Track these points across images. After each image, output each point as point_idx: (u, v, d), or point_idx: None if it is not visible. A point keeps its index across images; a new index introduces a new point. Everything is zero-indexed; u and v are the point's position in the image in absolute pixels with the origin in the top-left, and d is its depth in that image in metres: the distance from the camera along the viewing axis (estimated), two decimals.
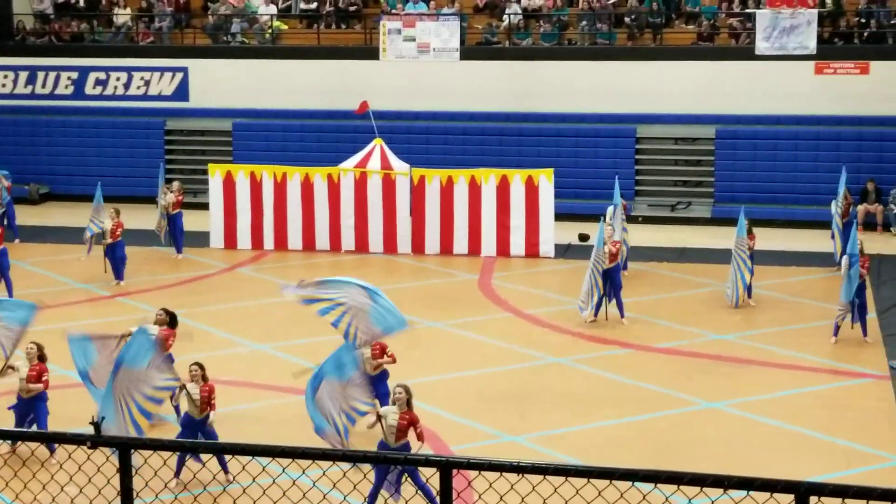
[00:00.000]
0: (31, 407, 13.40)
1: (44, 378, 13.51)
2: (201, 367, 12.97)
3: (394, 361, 14.43)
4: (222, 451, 4.81)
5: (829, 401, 15.65)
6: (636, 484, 4.55)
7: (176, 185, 23.33)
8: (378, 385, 14.09)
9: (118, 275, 21.22)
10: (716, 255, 22.27)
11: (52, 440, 4.77)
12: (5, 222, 23.59)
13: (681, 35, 28.33)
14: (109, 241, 21.13)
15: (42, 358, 13.68)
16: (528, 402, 15.86)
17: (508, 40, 28.81)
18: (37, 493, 5.55)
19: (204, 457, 12.33)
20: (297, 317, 19.34)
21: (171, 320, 14.77)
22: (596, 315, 18.90)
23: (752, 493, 4.34)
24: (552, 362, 17.31)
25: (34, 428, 12.47)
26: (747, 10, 27.56)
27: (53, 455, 12.36)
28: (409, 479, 11.31)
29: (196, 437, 12.44)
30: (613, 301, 18.99)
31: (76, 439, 4.73)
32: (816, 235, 23.83)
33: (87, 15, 31.41)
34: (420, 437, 11.81)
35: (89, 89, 29.79)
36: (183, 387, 12.68)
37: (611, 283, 18.91)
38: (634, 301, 19.74)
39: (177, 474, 12.42)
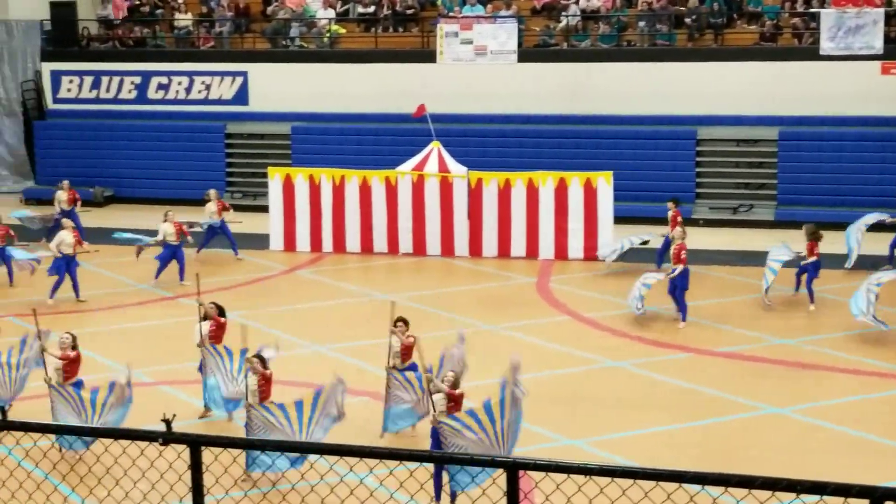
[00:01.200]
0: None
1: (77, 368, 14.01)
2: (261, 358, 13.29)
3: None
4: (290, 449, 4.83)
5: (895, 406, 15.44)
6: (705, 488, 4.52)
7: (213, 192, 23.66)
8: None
9: (181, 276, 21.51)
10: None
11: (124, 437, 4.81)
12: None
13: (743, 35, 28.08)
14: (175, 241, 21.48)
15: (75, 348, 14.08)
16: (587, 405, 15.79)
17: (566, 42, 28.74)
18: (110, 489, 5.62)
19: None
20: (355, 319, 19.45)
21: (219, 311, 15.17)
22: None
23: (824, 497, 4.28)
24: (610, 366, 17.22)
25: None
26: (811, 10, 27.26)
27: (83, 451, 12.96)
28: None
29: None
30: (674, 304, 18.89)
31: (148, 436, 4.79)
32: (881, 238, 23.48)
33: (150, 20, 31.78)
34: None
35: (152, 94, 30.16)
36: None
37: (676, 285, 18.81)
38: (695, 305, 19.59)
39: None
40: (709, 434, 14.56)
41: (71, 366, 14.03)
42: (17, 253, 21.42)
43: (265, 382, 13.18)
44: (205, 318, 15.08)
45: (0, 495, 6.06)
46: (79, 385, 13.96)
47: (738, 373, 16.75)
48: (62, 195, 24.98)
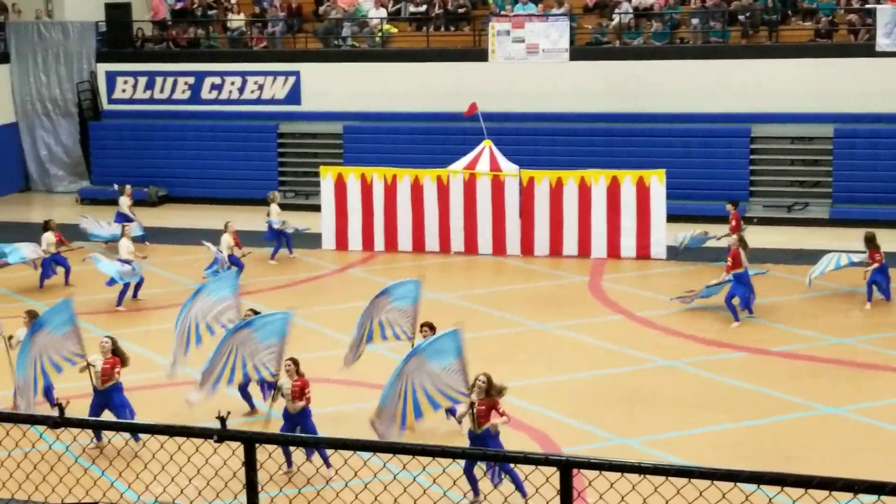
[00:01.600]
0: (107, 399, 13.97)
1: (116, 371, 14.09)
2: (295, 362, 13.47)
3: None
4: (341, 446, 4.84)
5: None
6: (761, 487, 4.48)
7: (276, 194, 24.26)
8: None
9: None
10: None
11: (179, 434, 4.86)
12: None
13: (797, 32, 27.79)
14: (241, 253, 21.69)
15: (116, 352, 14.23)
16: (640, 405, 15.71)
17: (618, 40, 28.59)
18: (166, 486, 5.68)
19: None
20: None
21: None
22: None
23: (882, 497, 4.22)
24: (664, 365, 17.12)
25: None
26: (867, 6, 26.91)
27: (101, 443, 13.22)
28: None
29: (294, 430, 12.97)
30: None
31: (203, 433, 4.83)
32: None
33: (203, 21, 32.05)
34: (502, 415, 12.31)
35: (205, 94, 30.40)
36: (279, 388, 13.48)
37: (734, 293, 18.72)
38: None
39: (288, 464, 12.84)
40: (763, 434, 14.43)
41: (110, 370, 14.11)
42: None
43: (300, 388, 13.28)
44: None
45: (58, 491, 6.13)
46: (118, 389, 14.09)
47: (793, 372, 16.59)
48: (125, 200, 25.32)
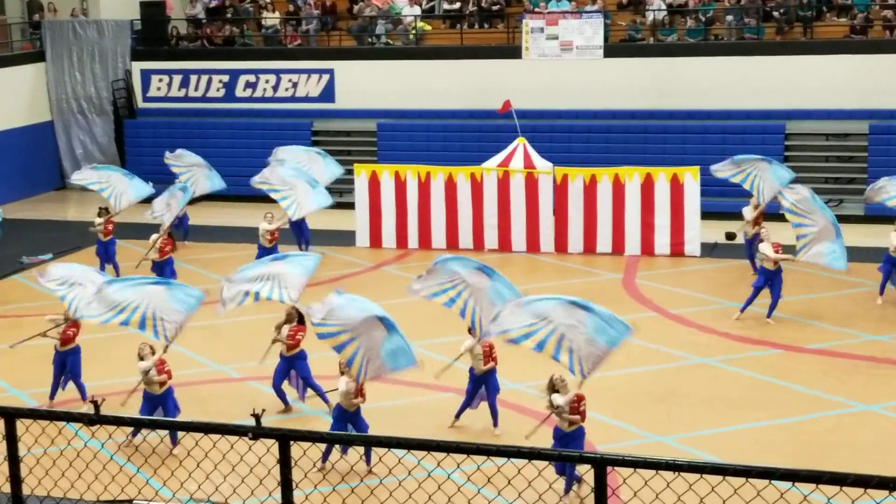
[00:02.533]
0: (160, 400, 13.85)
1: (166, 369, 14.08)
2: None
3: (496, 363, 14.72)
4: (377, 444, 4.86)
5: None
6: (796, 485, 4.46)
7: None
8: (489, 378, 14.69)
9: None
10: (869, 254, 21.59)
11: (214, 431, 4.89)
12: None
13: (832, 28, 27.59)
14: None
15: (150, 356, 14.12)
16: (675, 402, 15.66)
17: (653, 37, 28.49)
18: (201, 483, 5.71)
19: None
20: (440, 315, 19.46)
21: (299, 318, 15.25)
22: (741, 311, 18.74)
23: None
24: (699, 362, 17.05)
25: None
26: None
27: (175, 446, 12.95)
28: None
29: (348, 429, 12.79)
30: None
31: (238, 430, 4.85)
32: None
33: (237, 19, 32.18)
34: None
35: (240, 92, 30.53)
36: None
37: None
38: (784, 301, 19.30)
39: (323, 460, 12.87)
40: (799, 431, 14.34)
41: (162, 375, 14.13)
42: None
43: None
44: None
45: (93, 489, 6.18)
46: (169, 395, 14.14)
47: (828, 369, 16.49)
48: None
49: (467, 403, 14.74)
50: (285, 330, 15.37)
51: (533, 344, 12.39)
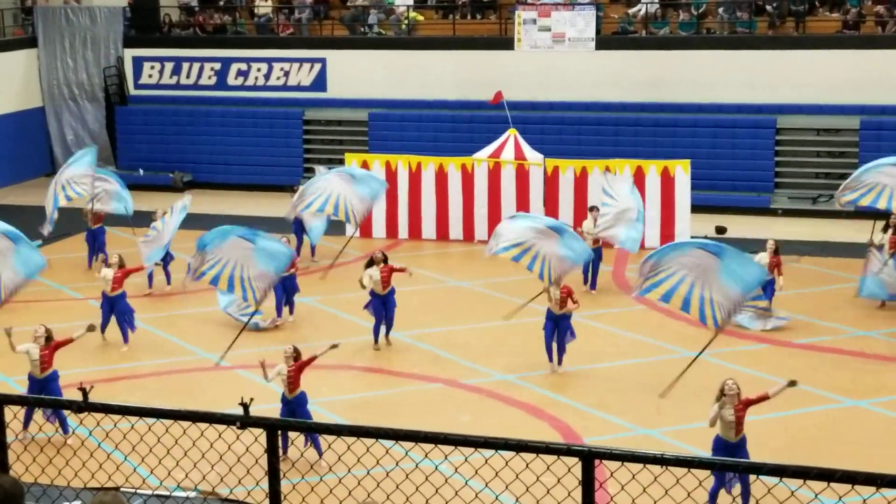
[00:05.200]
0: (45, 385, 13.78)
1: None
2: (296, 349, 13.49)
3: (578, 306, 16.33)
4: (365, 434, 4.87)
5: None
6: (783, 480, 4.47)
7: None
8: (562, 322, 16.17)
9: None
10: (859, 250, 21.60)
11: (202, 420, 4.88)
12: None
13: (825, 23, 27.61)
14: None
15: (49, 339, 13.98)
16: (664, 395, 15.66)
17: (645, 29, 28.49)
18: (188, 472, 5.71)
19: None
20: (430, 305, 19.50)
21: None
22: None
23: None
24: (688, 356, 17.03)
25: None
26: None
27: (67, 437, 13.15)
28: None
29: (292, 416, 12.97)
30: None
31: (226, 419, 4.85)
32: None
33: (230, 7, 32.10)
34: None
35: (231, 80, 30.46)
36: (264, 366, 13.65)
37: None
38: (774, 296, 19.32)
39: (283, 450, 12.48)
40: (787, 426, 14.38)
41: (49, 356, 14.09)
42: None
43: (296, 372, 13.33)
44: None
45: (81, 476, 6.17)
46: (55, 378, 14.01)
47: (816, 365, 16.53)
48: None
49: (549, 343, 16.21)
50: (376, 273, 17.11)
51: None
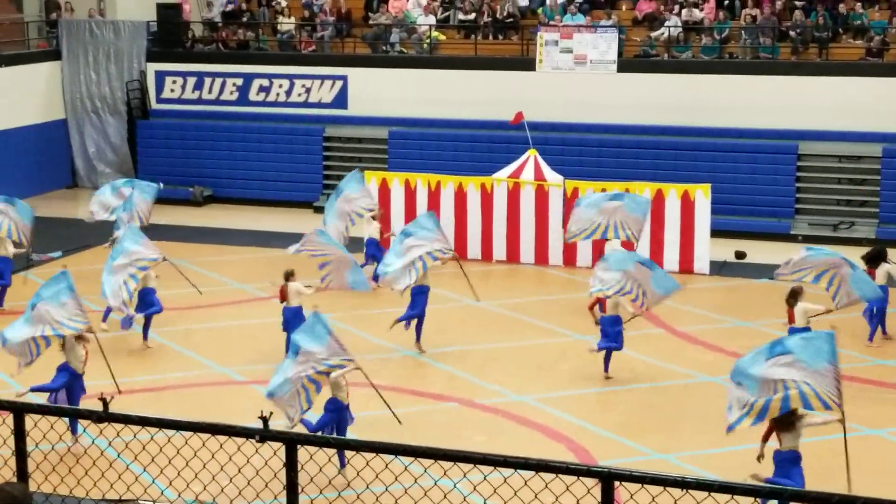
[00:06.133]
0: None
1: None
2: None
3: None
4: (382, 450, 4.85)
5: None
6: None
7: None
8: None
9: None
10: None
11: (222, 433, 4.88)
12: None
13: (848, 50, 27.55)
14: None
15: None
16: (680, 420, 15.62)
17: (667, 53, 28.50)
18: (206, 484, 5.71)
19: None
20: (445, 323, 19.48)
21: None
22: None
23: None
24: (705, 381, 17.00)
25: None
26: None
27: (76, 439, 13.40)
28: None
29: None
30: None
31: (245, 433, 4.84)
32: None
33: (253, 23, 32.24)
34: None
35: (253, 96, 30.57)
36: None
37: None
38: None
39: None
40: (804, 453, 14.25)
41: None
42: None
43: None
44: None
45: (99, 486, 6.17)
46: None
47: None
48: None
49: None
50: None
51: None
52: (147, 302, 18.11)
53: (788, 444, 12.16)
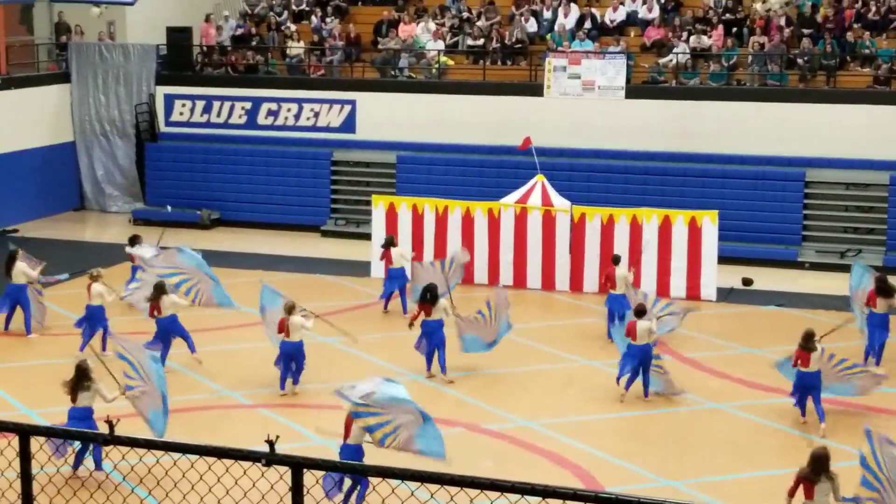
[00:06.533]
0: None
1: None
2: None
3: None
4: (389, 475, 4.82)
5: None
6: None
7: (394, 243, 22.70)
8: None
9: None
10: None
11: (227, 456, 4.85)
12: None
13: (855, 77, 27.58)
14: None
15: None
16: (687, 446, 15.57)
17: (675, 79, 28.54)
18: None
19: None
20: (451, 347, 19.42)
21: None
22: None
23: None
24: (712, 407, 16.95)
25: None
26: None
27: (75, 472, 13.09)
28: None
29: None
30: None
31: (252, 456, 4.82)
32: None
33: (262, 47, 32.36)
34: None
35: (261, 119, 30.64)
36: None
37: None
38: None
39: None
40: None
41: None
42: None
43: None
44: None
45: None
46: None
47: (843, 420, 16.34)
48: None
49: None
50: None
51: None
52: (95, 317, 18.36)
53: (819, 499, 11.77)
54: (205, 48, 32.27)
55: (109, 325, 18.42)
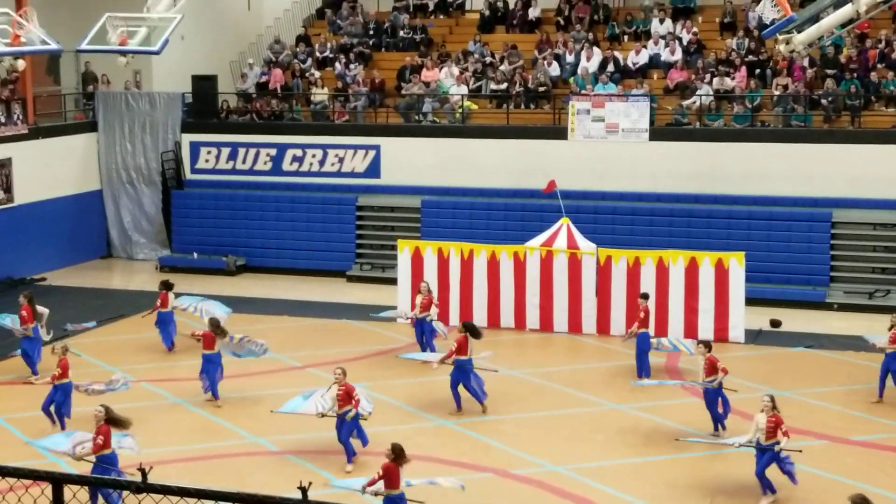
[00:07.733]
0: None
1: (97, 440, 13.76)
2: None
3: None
4: None
5: None
6: None
7: (424, 285, 22.32)
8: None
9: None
10: None
11: (261, 503, 4.83)
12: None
13: (880, 118, 27.52)
14: None
15: (109, 420, 13.90)
16: (715, 490, 15.40)
17: (699, 121, 28.55)
18: None
19: None
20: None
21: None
22: None
23: None
24: (743, 450, 16.76)
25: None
26: None
27: None
28: None
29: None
30: None
31: (285, 502, 4.79)
32: None
33: (287, 94, 32.59)
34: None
35: (286, 165, 30.80)
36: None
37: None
38: (828, 390, 19.07)
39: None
40: None
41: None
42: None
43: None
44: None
45: None
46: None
47: (875, 462, 16.18)
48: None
49: None
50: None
51: None
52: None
53: None
54: (226, 100, 32.53)
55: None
